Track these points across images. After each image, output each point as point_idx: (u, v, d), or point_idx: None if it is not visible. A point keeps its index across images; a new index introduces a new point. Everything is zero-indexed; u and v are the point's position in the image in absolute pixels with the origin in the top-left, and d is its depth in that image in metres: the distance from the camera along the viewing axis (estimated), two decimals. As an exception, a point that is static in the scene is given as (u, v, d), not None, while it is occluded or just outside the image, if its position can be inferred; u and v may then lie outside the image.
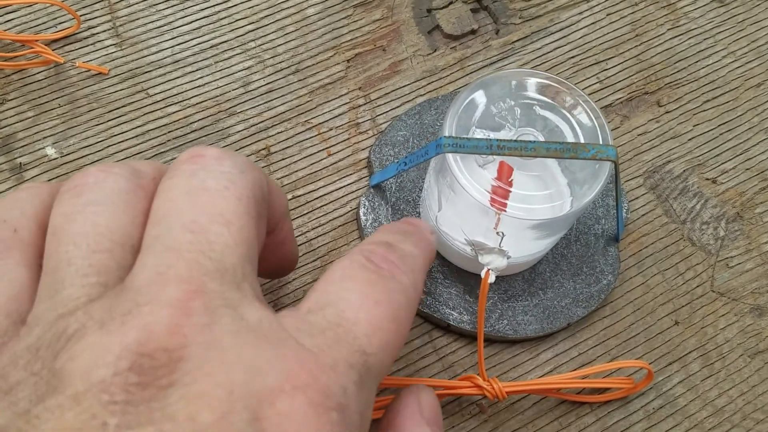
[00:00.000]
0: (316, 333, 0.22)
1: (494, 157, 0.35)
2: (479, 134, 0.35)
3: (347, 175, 0.43)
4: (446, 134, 0.34)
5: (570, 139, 0.34)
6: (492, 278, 0.35)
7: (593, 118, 0.34)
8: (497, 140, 0.33)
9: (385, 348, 0.23)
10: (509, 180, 0.35)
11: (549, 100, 0.35)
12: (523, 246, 0.37)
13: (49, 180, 0.41)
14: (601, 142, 0.34)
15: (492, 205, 0.34)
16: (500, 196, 0.34)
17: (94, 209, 0.23)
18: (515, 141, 0.33)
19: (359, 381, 0.22)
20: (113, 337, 0.19)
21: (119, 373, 0.18)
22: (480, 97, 0.35)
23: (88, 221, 0.22)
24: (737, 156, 0.45)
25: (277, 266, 0.33)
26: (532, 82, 0.35)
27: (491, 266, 0.35)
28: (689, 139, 0.45)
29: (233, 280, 0.22)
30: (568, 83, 0.35)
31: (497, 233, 0.34)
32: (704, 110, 0.46)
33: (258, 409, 0.19)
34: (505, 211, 0.34)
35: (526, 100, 0.35)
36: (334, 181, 0.43)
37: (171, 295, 0.20)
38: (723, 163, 0.45)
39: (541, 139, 0.35)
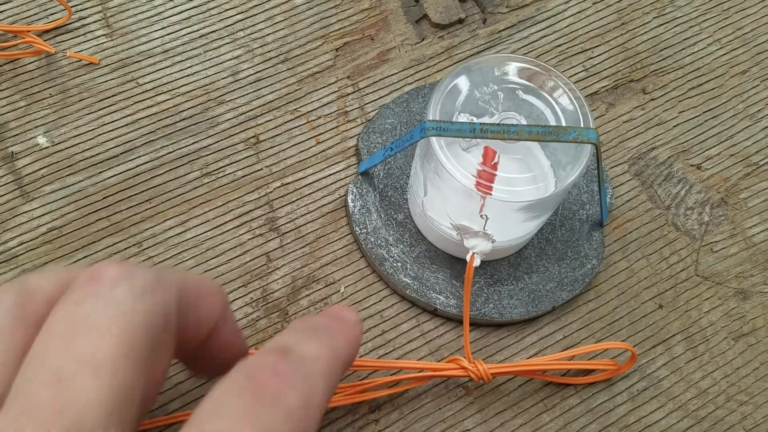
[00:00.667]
0: None
1: (478, 141, 0.35)
2: (463, 119, 0.35)
3: (336, 163, 0.43)
4: (430, 118, 0.34)
5: (552, 122, 0.35)
6: (477, 262, 0.36)
7: (575, 102, 0.35)
8: (480, 124, 0.33)
9: None
10: (494, 164, 0.35)
11: (531, 85, 0.35)
12: (508, 229, 0.37)
13: (40, 169, 0.41)
14: (582, 126, 0.34)
15: (478, 188, 0.34)
16: (485, 179, 0.35)
17: None
18: (498, 124, 0.33)
19: None
20: None
21: None
22: (463, 82, 0.36)
23: None
24: (722, 142, 0.46)
25: (223, 367, 0.26)
26: (515, 67, 0.36)
27: (476, 250, 0.36)
28: (674, 126, 0.46)
29: None
30: (550, 68, 0.35)
31: (482, 216, 0.35)
32: (689, 97, 0.47)
33: None
34: (490, 194, 0.34)
35: (508, 85, 0.36)
36: (323, 169, 0.43)
37: None
38: (708, 150, 0.45)
39: (524, 122, 0.35)
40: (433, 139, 0.34)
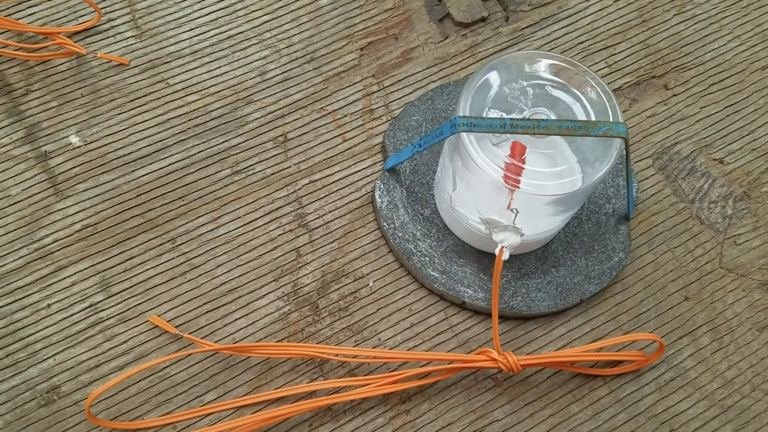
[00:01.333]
0: None
1: (507, 136, 0.36)
2: (493, 114, 0.36)
3: (362, 160, 0.44)
4: (461, 114, 0.35)
5: (581, 117, 0.35)
6: (506, 255, 0.36)
7: (603, 98, 0.35)
8: (510, 119, 0.34)
9: None
10: (522, 158, 0.36)
11: (560, 81, 0.36)
12: (536, 223, 0.38)
13: (73, 167, 0.42)
14: (611, 120, 0.35)
15: (506, 181, 0.35)
16: (513, 173, 0.35)
17: None
18: (528, 120, 0.34)
19: None
20: None
21: None
22: (493, 78, 0.36)
23: None
24: (744, 137, 0.46)
25: None
26: (544, 63, 0.36)
27: (505, 243, 0.36)
28: (696, 121, 0.46)
29: None
30: (578, 64, 0.36)
31: (511, 210, 0.36)
32: (711, 93, 0.47)
33: None
34: (518, 187, 0.35)
35: (537, 81, 0.36)
36: (350, 166, 0.44)
37: None
38: (729, 144, 0.46)
39: (553, 117, 0.36)
40: (464, 134, 0.35)
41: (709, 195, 0.44)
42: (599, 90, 0.35)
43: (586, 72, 0.36)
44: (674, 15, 0.49)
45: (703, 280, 0.42)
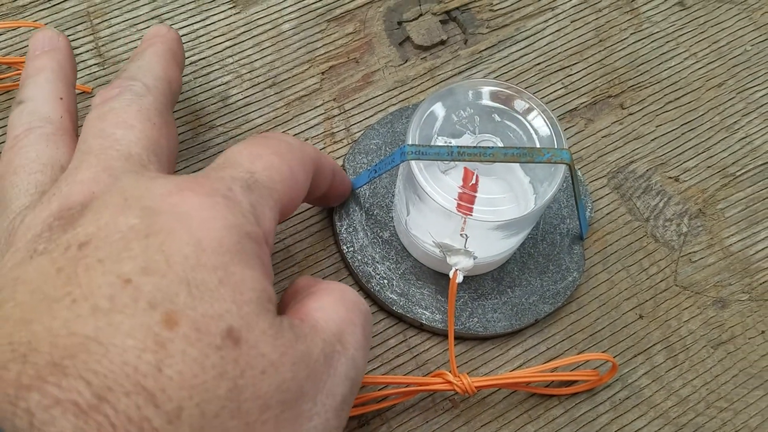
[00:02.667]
0: (207, 171, 0.29)
1: (456, 163, 0.37)
2: (441, 142, 0.37)
3: (323, 183, 0.45)
4: (409, 142, 0.36)
5: (527, 143, 0.36)
6: (460, 278, 0.37)
7: (549, 124, 0.36)
8: (457, 147, 0.35)
9: (268, 168, 0.30)
10: (472, 185, 0.36)
11: (505, 108, 0.37)
12: (490, 246, 0.38)
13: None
14: (555, 146, 0.35)
15: (459, 210, 0.35)
16: (466, 201, 0.36)
17: (24, 148, 0.31)
18: (474, 147, 0.34)
19: (246, 186, 0.28)
20: (43, 209, 0.27)
21: (46, 223, 0.26)
22: (440, 106, 0.37)
23: (21, 156, 0.31)
24: (699, 154, 0.47)
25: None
26: (488, 90, 0.37)
27: (459, 266, 0.37)
28: (652, 140, 0.47)
29: (138, 161, 0.29)
30: (522, 90, 0.37)
31: (462, 236, 0.36)
32: (666, 111, 0.48)
33: (151, 205, 0.25)
34: (471, 215, 0.35)
35: (484, 108, 0.37)
36: (311, 190, 0.44)
37: (84, 175, 0.28)
38: (685, 162, 0.47)
39: (500, 144, 0.36)
40: (413, 162, 0.35)
41: (664, 213, 0.45)
42: (544, 116, 0.36)
43: (531, 98, 0.36)
44: (631, 34, 0.50)
45: (658, 298, 0.43)
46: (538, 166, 0.37)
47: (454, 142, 0.37)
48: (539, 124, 0.36)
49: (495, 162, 0.35)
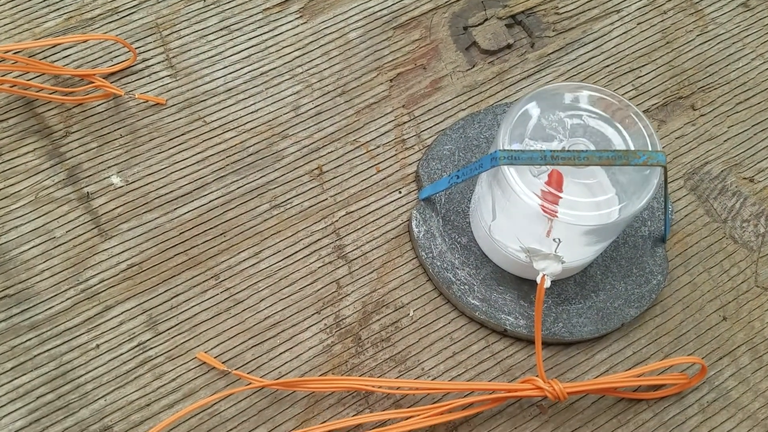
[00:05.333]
0: None
1: (547, 167, 0.36)
2: (532, 145, 0.37)
3: (396, 190, 0.45)
4: (501, 147, 0.35)
5: (620, 147, 0.36)
6: (548, 283, 0.37)
7: (641, 126, 0.36)
8: (551, 151, 0.34)
9: None
10: (560, 187, 0.36)
11: (598, 111, 0.37)
12: (574, 251, 0.38)
13: (116, 207, 0.43)
14: (650, 149, 0.35)
15: (543, 210, 0.35)
16: (550, 202, 0.36)
17: None
18: (568, 151, 0.34)
19: None
20: None
21: None
22: (531, 109, 0.37)
23: None
24: (773, 154, 0.47)
25: None
26: (582, 94, 0.37)
27: (546, 271, 0.37)
28: (725, 140, 0.47)
29: None
30: (615, 94, 0.36)
31: (554, 240, 0.36)
32: (737, 111, 0.48)
33: None
34: (556, 216, 0.35)
35: (575, 112, 0.37)
36: (385, 196, 0.44)
37: None
38: (759, 162, 0.46)
39: (592, 148, 0.36)
40: (505, 167, 0.35)
41: (741, 214, 0.45)
42: (636, 119, 0.36)
43: (623, 101, 0.36)
44: (697, 36, 0.50)
45: (740, 300, 0.42)
46: (627, 178, 0.37)
47: (544, 146, 0.37)
48: (632, 128, 0.36)
49: (589, 165, 0.34)
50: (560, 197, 0.36)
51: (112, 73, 0.46)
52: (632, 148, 0.36)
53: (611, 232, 0.37)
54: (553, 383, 0.37)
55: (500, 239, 0.40)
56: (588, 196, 0.37)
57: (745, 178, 0.46)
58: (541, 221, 0.36)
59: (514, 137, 0.36)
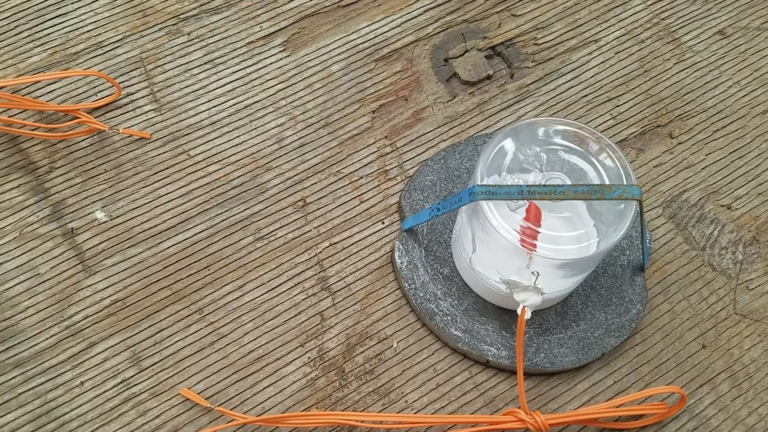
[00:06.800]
0: None
1: (525, 201, 0.37)
2: (509, 179, 0.37)
3: (380, 221, 0.45)
4: (478, 182, 0.36)
5: (595, 181, 0.37)
6: (528, 315, 0.37)
7: (616, 160, 0.37)
8: (527, 185, 0.35)
9: None
10: (538, 221, 0.37)
11: (573, 146, 0.37)
12: (553, 283, 0.39)
13: (100, 243, 0.43)
14: (625, 183, 0.36)
15: (522, 245, 0.36)
16: (529, 236, 0.36)
17: None
18: (544, 186, 0.35)
19: None
20: None
21: None
22: (508, 144, 0.37)
23: None
24: (749, 182, 0.47)
25: None
26: (556, 129, 0.38)
27: (527, 303, 0.37)
28: (702, 168, 0.47)
29: None
30: (591, 129, 0.37)
31: (532, 273, 0.37)
32: (715, 139, 0.49)
33: None
34: (535, 250, 0.36)
35: (551, 146, 0.38)
36: (368, 227, 0.45)
37: None
38: (736, 190, 0.47)
39: (568, 182, 0.37)
40: (482, 201, 0.36)
41: (719, 241, 0.45)
42: (612, 153, 0.37)
43: (598, 136, 0.37)
44: (674, 64, 0.51)
45: (719, 327, 0.43)
46: (606, 209, 0.37)
47: (521, 179, 0.37)
48: (607, 161, 0.37)
49: (565, 199, 0.35)
50: (539, 232, 0.37)
51: (97, 108, 0.47)
52: (607, 182, 0.36)
53: (590, 265, 0.38)
54: (535, 415, 0.37)
55: (481, 271, 0.40)
56: (567, 229, 0.37)
57: (722, 206, 0.46)
58: (520, 254, 0.36)
59: (492, 171, 0.37)
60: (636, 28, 0.52)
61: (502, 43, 0.51)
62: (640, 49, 0.51)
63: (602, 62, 0.51)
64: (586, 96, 0.49)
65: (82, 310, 0.41)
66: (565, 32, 0.51)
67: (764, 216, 0.46)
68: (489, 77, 0.50)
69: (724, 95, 0.50)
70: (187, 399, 0.39)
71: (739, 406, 0.41)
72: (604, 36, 0.52)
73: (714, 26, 0.52)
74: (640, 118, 0.49)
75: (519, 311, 0.37)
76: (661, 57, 0.51)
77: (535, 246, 0.36)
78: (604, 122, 0.49)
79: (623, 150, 0.48)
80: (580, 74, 0.50)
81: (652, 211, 0.46)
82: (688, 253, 0.45)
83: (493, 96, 0.49)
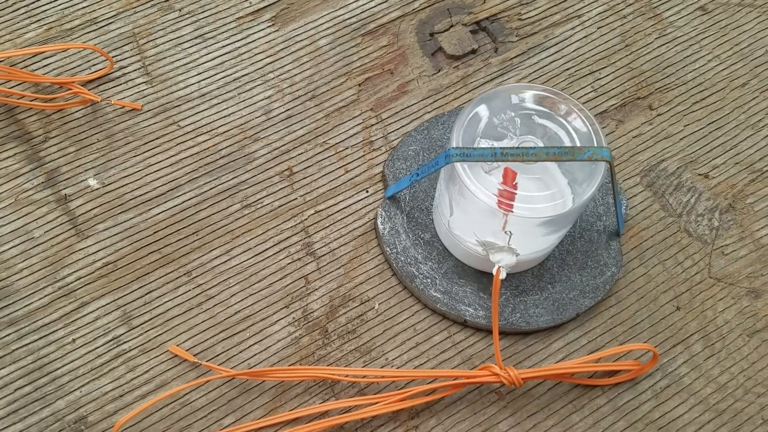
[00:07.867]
0: None
1: (499, 163, 0.38)
2: (484, 144, 0.38)
3: (364, 189, 0.46)
4: (453, 146, 0.37)
5: (567, 143, 0.38)
6: (503, 275, 0.39)
7: (587, 124, 0.38)
8: (500, 148, 0.36)
9: None
10: (514, 183, 0.38)
11: (546, 110, 0.39)
12: (530, 243, 0.40)
13: (93, 209, 0.44)
14: (595, 145, 0.37)
15: (499, 206, 0.37)
16: (506, 198, 0.37)
17: None
18: (517, 148, 0.36)
19: None
20: None
21: None
22: (483, 110, 0.39)
23: None
24: (727, 152, 0.48)
25: None
26: (530, 94, 0.39)
27: (502, 263, 0.39)
28: (681, 139, 0.49)
29: None
30: (562, 93, 0.38)
31: (505, 233, 0.38)
32: (693, 111, 0.50)
33: None
34: (512, 211, 0.37)
35: (525, 111, 0.39)
36: (352, 195, 0.46)
37: None
38: (714, 159, 0.48)
39: (541, 145, 0.38)
40: (458, 164, 0.37)
41: (696, 209, 0.46)
42: (582, 116, 0.38)
43: (570, 100, 0.38)
44: (656, 38, 0.52)
45: (694, 290, 0.44)
46: (577, 168, 0.38)
47: (496, 144, 0.39)
48: (578, 124, 0.38)
49: (537, 161, 0.36)
50: (515, 193, 0.38)
51: (90, 81, 0.48)
52: (578, 144, 0.38)
53: (564, 222, 0.39)
54: (509, 370, 0.39)
55: (459, 234, 0.41)
56: (540, 189, 0.39)
57: (700, 175, 0.48)
58: (496, 215, 0.38)
59: (467, 136, 0.38)
60: (618, 3, 0.53)
61: (487, 18, 0.52)
62: (622, 24, 0.52)
63: (584, 36, 0.52)
64: (568, 69, 0.51)
65: (74, 272, 0.43)
66: (549, 7, 0.53)
67: (741, 184, 0.47)
68: (473, 51, 0.51)
69: (704, 69, 0.51)
70: (176, 355, 0.41)
71: (711, 365, 0.42)
72: (587, 11, 0.53)
73: (695, 2, 0.53)
74: (620, 90, 0.50)
75: (494, 271, 0.39)
76: (642, 32, 0.52)
77: (511, 207, 0.37)
78: (586, 94, 0.50)
79: (603, 121, 0.49)
80: (563, 48, 0.51)
81: (630, 180, 0.47)
82: (664, 219, 0.46)
83: (477, 69, 0.50)
